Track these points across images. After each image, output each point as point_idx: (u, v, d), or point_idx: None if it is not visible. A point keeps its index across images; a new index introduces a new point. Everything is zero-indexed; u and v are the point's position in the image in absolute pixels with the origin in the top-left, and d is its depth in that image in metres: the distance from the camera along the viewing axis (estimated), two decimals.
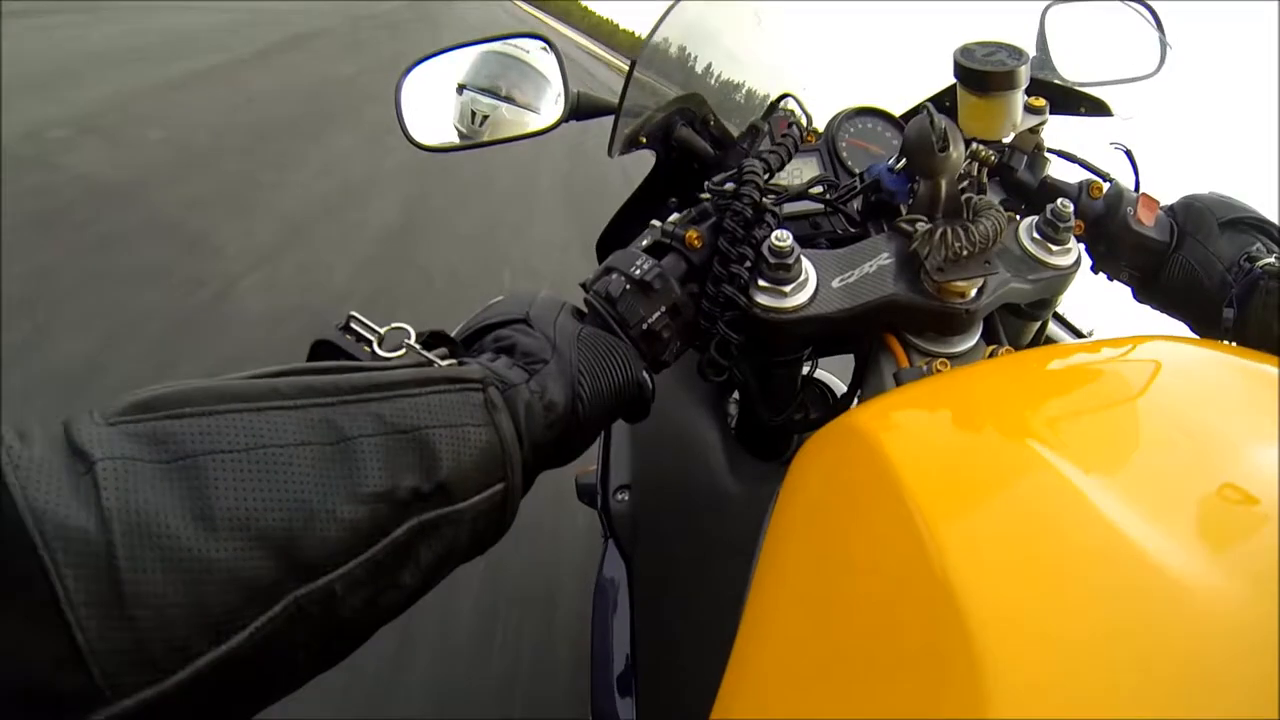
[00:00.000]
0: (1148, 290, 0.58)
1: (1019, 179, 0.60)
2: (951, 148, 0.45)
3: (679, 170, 0.70)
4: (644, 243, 0.48)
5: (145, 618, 0.20)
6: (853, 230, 0.58)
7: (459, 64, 0.73)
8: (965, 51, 0.53)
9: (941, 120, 0.45)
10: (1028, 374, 0.37)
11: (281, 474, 0.24)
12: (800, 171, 0.71)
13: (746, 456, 0.62)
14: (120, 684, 0.20)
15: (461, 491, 0.29)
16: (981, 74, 0.52)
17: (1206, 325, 0.55)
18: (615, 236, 0.71)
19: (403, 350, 0.33)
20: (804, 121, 0.70)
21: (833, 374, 0.67)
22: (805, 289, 0.45)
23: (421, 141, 0.73)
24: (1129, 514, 0.23)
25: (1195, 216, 0.56)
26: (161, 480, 0.22)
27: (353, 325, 0.33)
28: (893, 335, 0.49)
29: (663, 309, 0.44)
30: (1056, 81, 0.69)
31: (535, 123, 0.70)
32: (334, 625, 0.26)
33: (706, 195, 0.51)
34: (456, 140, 0.73)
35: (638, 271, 0.44)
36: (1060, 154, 0.64)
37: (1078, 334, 0.76)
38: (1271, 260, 0.51)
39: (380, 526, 0.26)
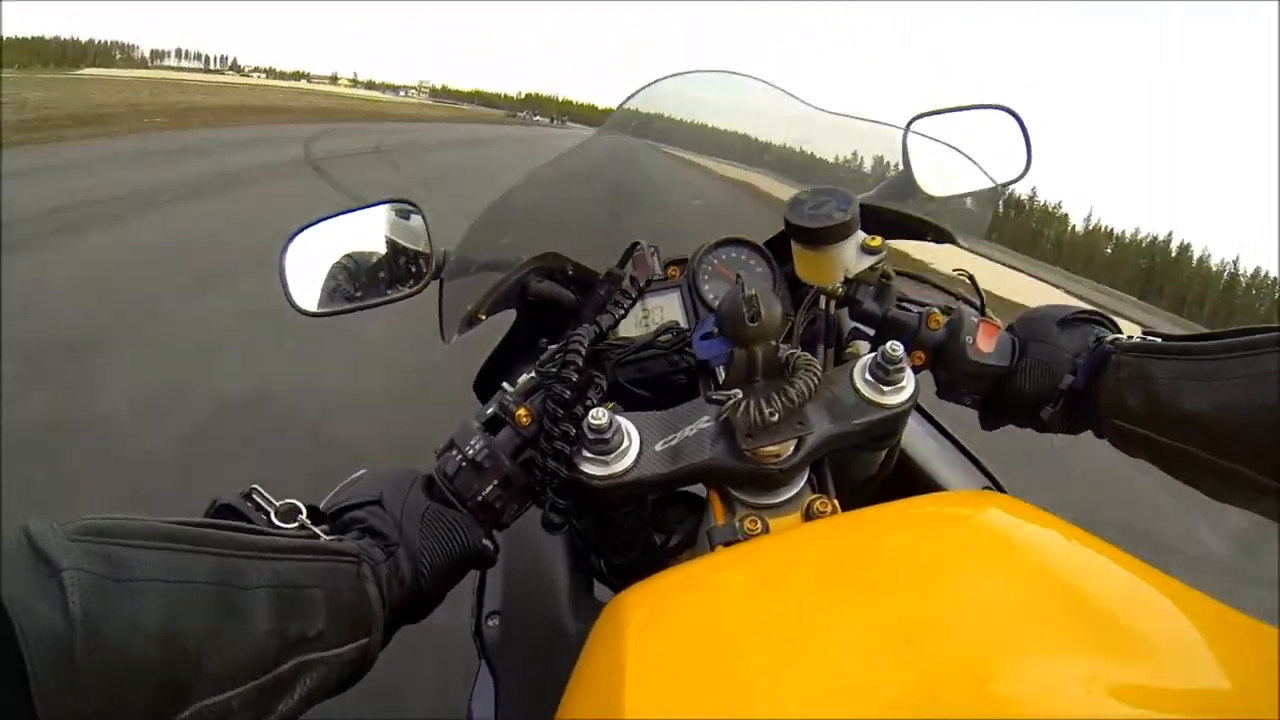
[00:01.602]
0: (993, 412, 0.59)
1: (865, 310, 0.61)
2: (764, 315, 0.46)
3: (546, 316, 0.71)
4: (488, 412, 0.53)
5: (92, 706, 0.26)
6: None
7: (337, 231, 0.74)
8: (795, 204, 0.55)
9: (752, 291, 0.46)
10: (793, 554, 0.40)
11: (202, 605, 0.31)
12: (661, 310, 0.72)
13: (587, 594, 0.66)
14: None
15: (335, 641, 0.37)
16: (809, 230, 0.54)
17: (1066, 422, 0.55)
18: (491, 376, 0.73)
19: (295, 523, 0.40)
20: (657, 267, 0.72)
21: None
22: (627, 456, 0.48)
23: (304, 307, 0.74)
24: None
25: (1034, 324, 0.58)
26: (114, 595, 0.27)
27: (254, 495, 0.40)
28: (715, 490, 0.51)
29: (495, 483, 0.50)
30: (895, 208, 0.70)
31: (406, 284, 0.71)
32: None
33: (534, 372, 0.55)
34: (340, 305, 0.74)
35: (470, 450, 0.50)
36: (911, 276, 0.65)
37: (966, 454, 0.75)
38: (1120, 336, 0.53)
39: (271, 658, 0.33)
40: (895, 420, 0.50)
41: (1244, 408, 0.41)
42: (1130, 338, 0.52)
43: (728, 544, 0.46)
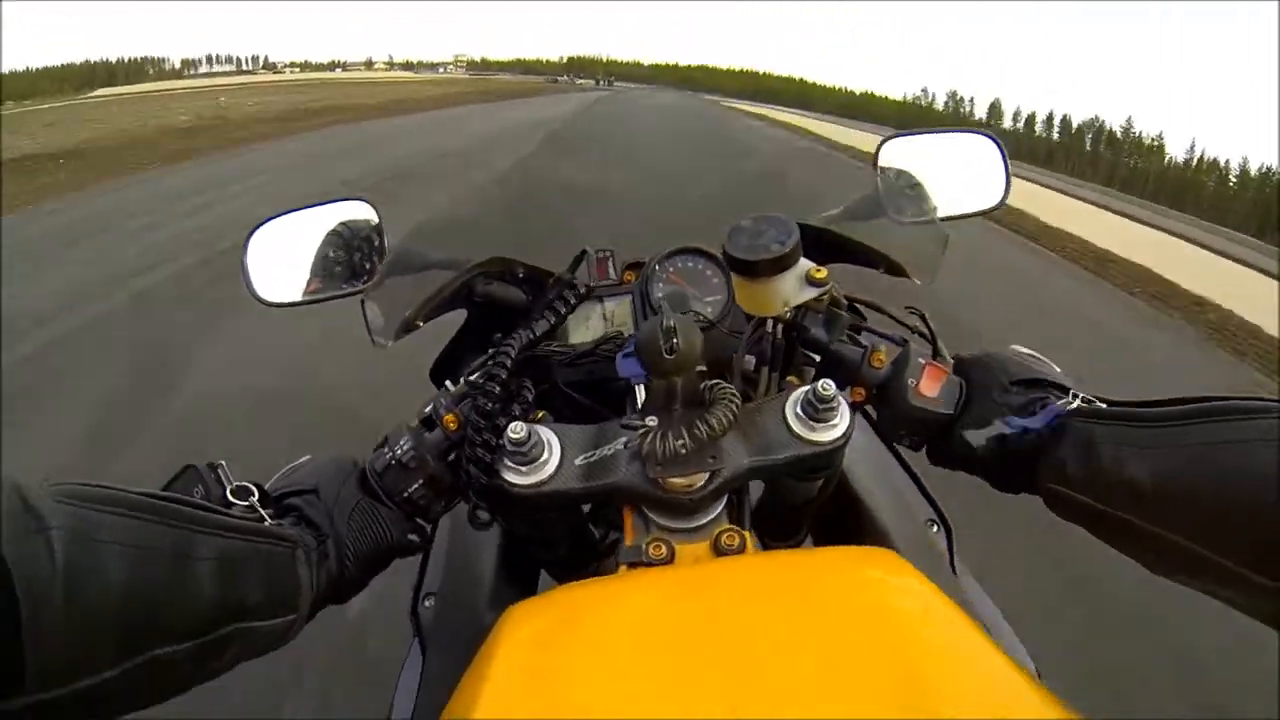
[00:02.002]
0: (937, 454, 0.57)
1: (812, 338, 0.60)
2: (682, 347, 0.45)
3: (497, 314, 0.71)
4: (425, 411, 0.57)
5: (71, 644, 0.31)
6: None
7: (298, 226, 0.74)
8: (735, 233, 0.54)
9: (671, 322, 0.45)
10: (669, 594, 0.41)
11: (159, 569, 0.36)
12: (614, 315, 0.72)
13: (507, 589, 0.68)
14: (45, 681, 0.30)
15: (268, 613, 0.42)
16: (746, 262, 0.53)
17: (1004, 480, 0.54)
18: (447, 366, 0.74)
19: (245, 503, 0.46)
20: (612, 270, 0.71)
21: None
22: (546, 467, 0.49)
23: (263, 297, 0.75)
24: None
25: (984, 372, 0.55)
26: (89, 553, 0.32)
27: (218, 470, 0.47)
28: (631, 508, 0.51)
29: (420, 482, 0.54)
30: (849, 235, 0.68)
31: (360, 280, 0.71)
32: (170, 679, 0.37)
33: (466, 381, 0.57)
34: (297, 297, 0.74)
35: (399, 450, 0.54)
36: (866, 304, 0.64)
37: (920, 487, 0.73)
38: (1066, 400, 0.50)
39: (213, 622, 0.38)
40: (826, 456, 0.49)
41: (1186, 477, 0.40)
42: (1078, 399, 0.50)
43: (632, 565, 0.47)
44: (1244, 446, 0.38)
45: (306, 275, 0.75)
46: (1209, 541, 0.38)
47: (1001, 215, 5.33)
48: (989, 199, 0.78)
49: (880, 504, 0.70)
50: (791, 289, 0.55)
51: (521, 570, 0.70)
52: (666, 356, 0.45)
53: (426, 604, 0.68)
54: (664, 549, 0.47)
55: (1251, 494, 0.36)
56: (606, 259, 0.74)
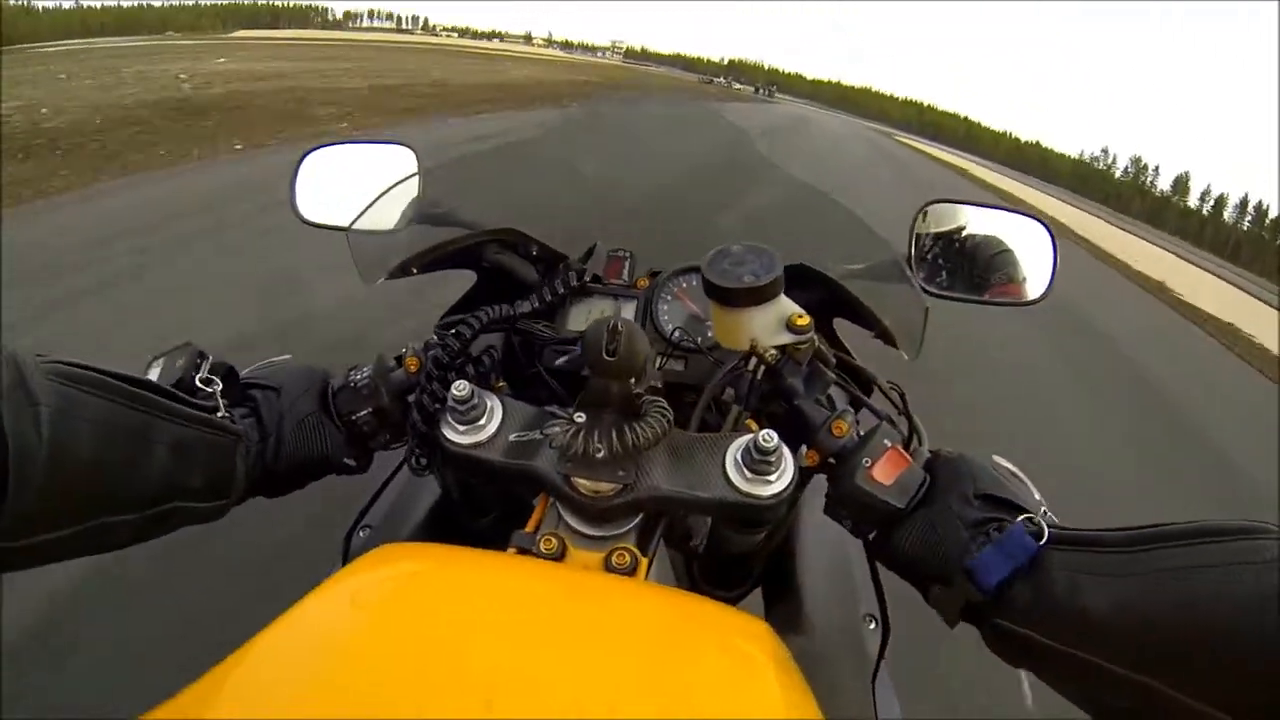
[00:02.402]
0: (878, 548, 0.52)
1: (787, 386, 0.57)
2: (622, 351, 0.45)
3: (504, 284, 0.72)
4: (402, 351, 0.59)
5: (43, 506, 0.36)
6: None
7: (345, 157, 0.79)
8: (717, 257, 0.53)
9: (618, 324, 0.46)
10: (512, 589, 0.41)
11: (121, 447, 0.40)
12: (621, 311, 0.72)
13: (428, 538, 0.68)
14: (15, 533, 0.35)
15: (206, 495, 0.47)
16: (715, 287, 0.52)
17: (939, 596, 0.49)
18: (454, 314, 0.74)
19: (211, 389, 0.51)
20: (625, 273, 0.72)
21: None
22: (482, 432, 0.50)
23: (304, 214, 0.79)
24: None
25: (955, 477, 0.50)
26: (72, 430, 0.37)
27: (200, 353, 0.51)
28: (545, 497, 0.51)
29: (368, 410, 0.56)
30: (851, 290, 0.66)
31: (394, 222, 0.74)
32: (112, 540, 0.42)
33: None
34: (332, 221, 0.78)
35: (357, 376, 0.57)
36: (843, 366, 0.61)
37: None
38: (1041, 531, 0.45)
39: (160, 496, 0.43)
40: (757, 509, 0.47)
41: (1145, 606, 0.37)
42: (1044, 528, 0.45)
43: (521, 550, 0.47)
44: (1214, 571, 0.35)
45: (344, 203, 0.79)
46: (1171, 678, 0.35)
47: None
48: (1031, 291, 0.74)
49: (818, 583, 0.67)
50: (764, 327, 0.54)
51: (448, 527, 0.71)
52: (606, 357, 0.45)
53: (361, 534, 0.70)
54: (555, 544, 0.46)
55: (1221, 623, 0.34)
56: (623, 260, 0.74)
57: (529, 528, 0.49)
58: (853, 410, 0.56)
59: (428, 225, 0.70)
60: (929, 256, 0.72)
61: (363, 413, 0.56)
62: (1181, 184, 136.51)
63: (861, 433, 0.53)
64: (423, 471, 0.57)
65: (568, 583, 0.43)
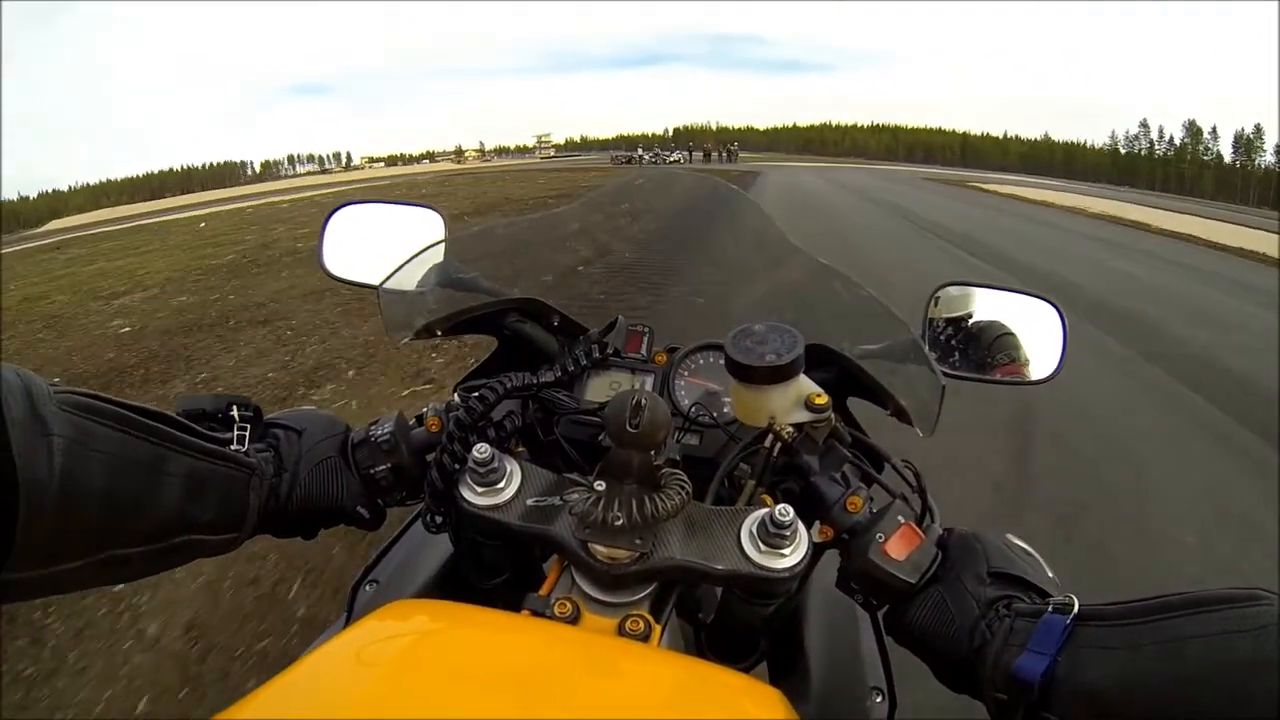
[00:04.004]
0: (890, 623, 0.53)
1: (802, 463, 0.58)
2: (645, 424, 0.47)
3: (525, 352, 0.74)
4: (424, 410, 0.60)
5: (53, 537, 0.36)
6: None
7: (373, 216, 0.81)
8: (739, 335, 0.54)
9: (641, 399, 0.47)
10: (526, 656, 0.41)
11: (134, 480, 0.40)
12: (643, 385, 0.73)
13: (436, 595, 0.68)
14: (25, 564, 0.35)
15: (217, 528, 0.47)
16: (739, 365, 0.53)
17: (947, 672, 0.50)
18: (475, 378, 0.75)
19: (237, 420, 0.52)
20: (644, 348, 0.73)
21: None
22: (501, 495, 0.51)
23: (330, 269, 0.81)
24: None
25: (967, 554, 0.51)
26: (84, 461, 0.37)
27: (232, 400, 0.53)
28: (560, 563, 0.52)
29: (387, 465, 0.57)
30: (868, 370, 0.67)
31: (418, 284, 0.76)
32: (120, 573, 0.42)
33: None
34: (357, 278, 0.80)
35: (379, 431, 0.58)
36: (857, 443, 0.62)
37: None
38: (1038, 604, 0.45)
39: (171, 530, 0.43)
40: (769, 582, 0.48)
41: (1153, 680, 0.37)
42: (1052, 607, 0.45)
43: (534, 613, 0.47)
44: (1209, 640, 0.36)
45: (371, 261, 0.81)
46: None
47: None
48: (1041, 369, 0.76)
49: (825, 655, 0.67)
50: (783, 405, 0.55)
51: (457, 585, 0.71)
52: (629, 429, 0.46)
53: (367, 588, 0.71)
54: (570, 608, 0.47)
55: (1218, 692, 0.34)
56: (642, 335, 0.76)
57: (543, 591, 0.50)
58: (866, 487, 0.57)
59: (452, 289, 0.71)
60: (941, 338, 0.74)
61: (381, 467, 0.57)
62: (1246, 140, 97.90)
63: (875, 509, 0.54)
64: (437, 529, 0.58)
65: (583, 646, 0.44)
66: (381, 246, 0.80)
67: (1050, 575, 0.51)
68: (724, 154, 52.89)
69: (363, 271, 0.80)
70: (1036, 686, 0.42)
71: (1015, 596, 0.48)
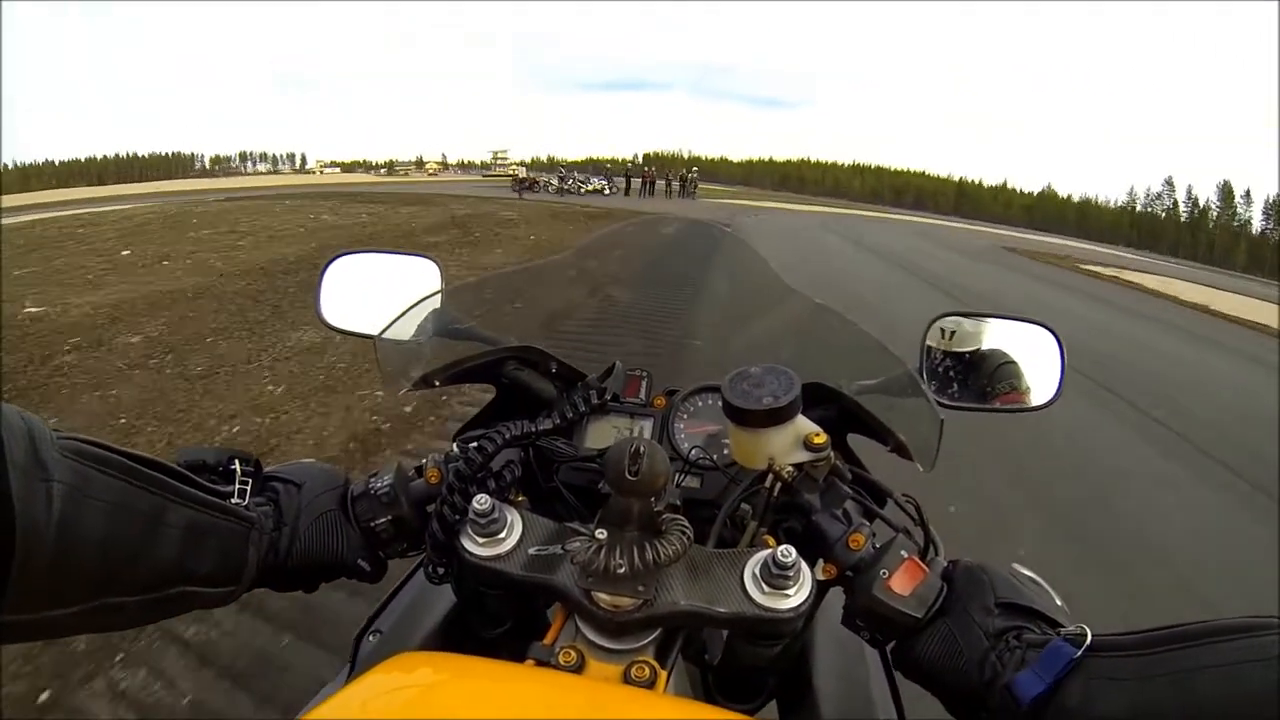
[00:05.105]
0: (898, 658, 0.53)
1: (803, 502, 0.58)
2: (644, 471, 0.47)
3: (523, 400, 0.74)
4: (422, 462, 0.60)
5: (50, 583, 0.36)
6: None
7: (369, 266, 0.81)
8: (736, 379, 0.55)
9: (640, 446, 0.47)
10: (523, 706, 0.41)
11: (132, 529, 0.40)
12: (641, 430, 0.73)
13: (440, 646, 0.68)
14: (19, 608, 0.35)
15: (214, 580, 0.47)
16: (736, 409, 0.53)
17: (959, 706, 0.49)
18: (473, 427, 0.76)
19: (238, 472, 0.52)
20: (642, 392, 0.73)
21: None
22: (502, 545, 0.51)
23: (327, 319, 0.82)
24: None
25: (974, 586, 0.51)
26: (79, 506, 0.37)
27: (233, 454, 0.53)
28: (563, 612, 0.52)
29: (388, 518, 0.56)
30: (864, 405, 0.67)
31: (415, 333, 0.76)
32: (114, 621, 0.42)
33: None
34: (354, 328, 0.80)
35: (378, 484, 0.57)
36: (858, 480, 0.61)
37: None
38: (1049, 635, 0.45)
39: (167, 580, 0.43)
40: (774, 624, 0.48)
41: (1168, 713, 0.36)
42: (1063, 637, 0.45)
43: (539, 662, 0.47)
44: (1220, 671, 0.35)
45: (367, 311, 0.81)
46: None
47: None
48: (1040, 395, 0.76)
49: (834, 693, 0.66)
50: (782, 447, 0.55)
51: (460, 636, 0.70)
52: (628, 476, 0.46)
53: (371, 639, 0.70)
54: (574, 657, 0.47)
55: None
56: (640, 380, 0.76)
57: (547, 640, 0.50)
58: (868, 523, 0.57)
59: (449, 339, 0.72)
60: (939, 369, 0.74)
61: (381, 520, 0.57)
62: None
63: (878, 545, 0.54)
64: (439, 580, 0.58)
65: (588, 694, 0.43)
66: (377, 296, 0.81)
67: (1059, 604, 0.50)
68: (678, 185, 34.10)
69: (360, 321, 0.81)
70: (1025, 704, 0.42)
71: (1025, 627, 0.48)
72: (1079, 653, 0.42)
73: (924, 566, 0.52)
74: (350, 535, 0.56)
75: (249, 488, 0.53)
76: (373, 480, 0.58)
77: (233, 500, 0.50)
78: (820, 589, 0.54)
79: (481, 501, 0.50)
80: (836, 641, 0.71)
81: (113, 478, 0.40)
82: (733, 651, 0.63)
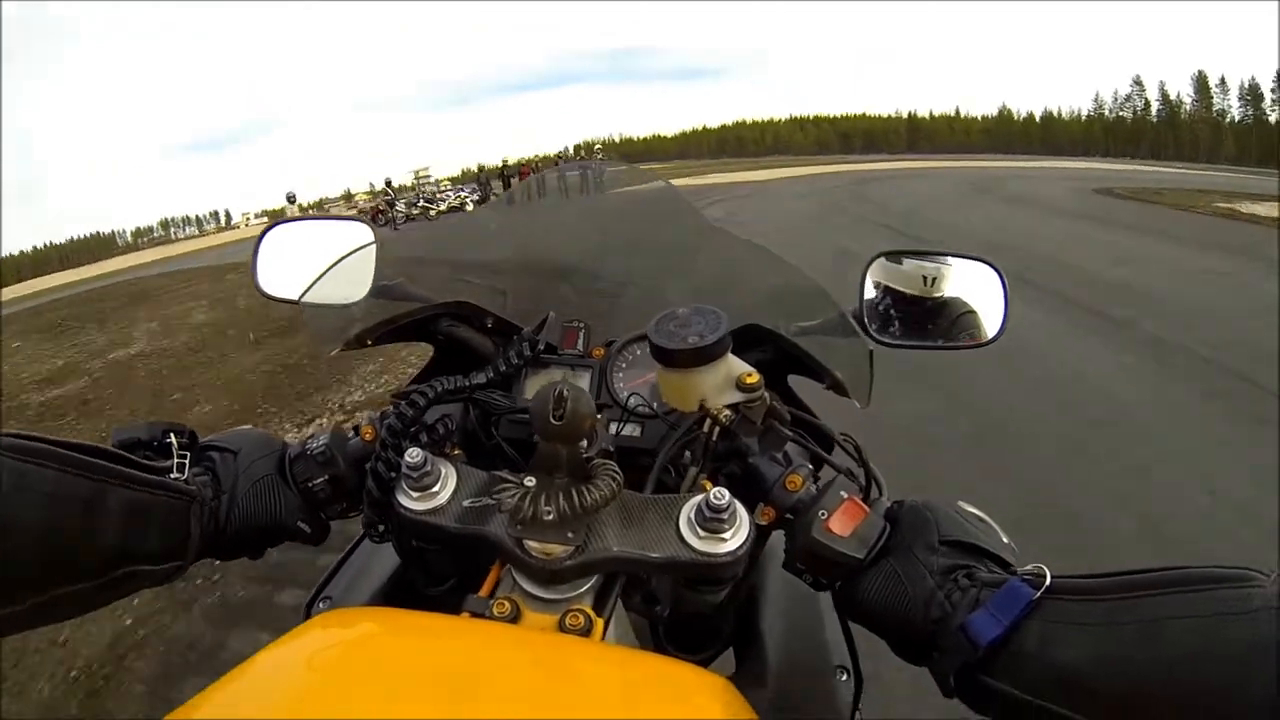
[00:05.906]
0: (843, 600, 0.52)
1: (740, 445, 0.57)
2: (569, 415, 0.46)
3: (462, 356, 0.73)
4: (361, 419, 0.57)
5: None
6: None
7: (304, 233, 0.80)
8: (662, 318, 0.54)
9: (564, 390, 0.46)
10: (459, 654, 0.41)
11: (72, 517, 0.41)
12: (578, 381, 0.72)
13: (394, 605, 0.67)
14: None
15: (159, 557, 0.47)
16: (661, 350, 0.52)
17: (906, 647, 0.48)
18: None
19: (175, 446, 0.52)
20: (580, 343, 0.72)
21: None
22: (436, 499, 0.51)
23: (265, 289, 0.80)
24: None
25: (918, 524, 0.50)
26: (24, 503, 0.38)
27: (169, 426, 0.53)
28: (500, 561, 0.52)
29: (324, 478, 0.56)
30: (800, 344, 0.66)
31: (350, 295, 0.75)
32: (66, 610, 0.43)
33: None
34: (292, 296, 0.79)
35: (314, 444, 0.57)
36: (799, 422, 0.61)
37: None
38: (999, 574, 0.44)
39: (112, 563, 0.43)
40: (712, 568, 0.48)
41: (1130, 659, 0.35)
42: (1014, 575, 0.44)
43: (475, 614, 0.47)
44: (1198, 623, 0.34)
45: (304, 278, 0.80)
46: None
47: None
48: (985, 331, 0.75)
49: (787, 638, 0.66)
50: (712, 387, 0.54)
51: (407, 595, 0.70)
52: (553, 422, 0.46)
53: (321, 605, 0.70)
54: (509, 608, 0.46)
55: (1208, 679, 0.32)
56: (577, 331, 0.75)
57: (483, 592, 0.50)
58: (810, 465, 0.56)
59: (382, 297, 0.71)
60: (880, 308, 0.73)
61: (319, 480, 0.56)
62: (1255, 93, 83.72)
63: (819, 487, 0.53)
64: (380, 539, 0.57)
65: (520, 644, 0.43)
66: (314, 262, 0.80)
67: (1005, 541, 0.49)
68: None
69: (297, 289, 0.79)
70: (982, 647, 0.41)
71: (974, 566, 0.46)
72: (1037, 594, 0.41)
73: (864, 506, 0.51)
74: (288, 498, 0.56)
75: (187, 460, 0.52)
76: (309, 442, 0.58)
77: (171, 475, 0.50)
78: (761, 533, 0.53)
79: (413, 455, 0.50)
80: (789, 587, 0.71)
81: (48, 469, 0.40)
82: (680, 600, 0.62)
